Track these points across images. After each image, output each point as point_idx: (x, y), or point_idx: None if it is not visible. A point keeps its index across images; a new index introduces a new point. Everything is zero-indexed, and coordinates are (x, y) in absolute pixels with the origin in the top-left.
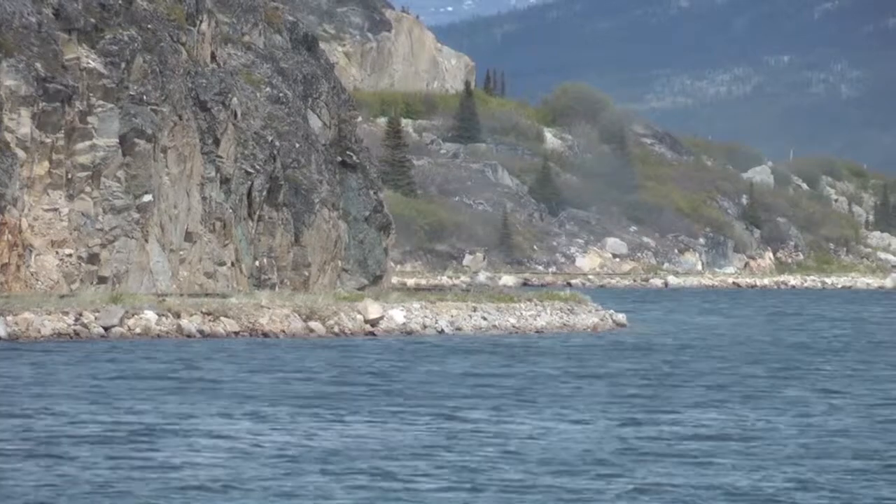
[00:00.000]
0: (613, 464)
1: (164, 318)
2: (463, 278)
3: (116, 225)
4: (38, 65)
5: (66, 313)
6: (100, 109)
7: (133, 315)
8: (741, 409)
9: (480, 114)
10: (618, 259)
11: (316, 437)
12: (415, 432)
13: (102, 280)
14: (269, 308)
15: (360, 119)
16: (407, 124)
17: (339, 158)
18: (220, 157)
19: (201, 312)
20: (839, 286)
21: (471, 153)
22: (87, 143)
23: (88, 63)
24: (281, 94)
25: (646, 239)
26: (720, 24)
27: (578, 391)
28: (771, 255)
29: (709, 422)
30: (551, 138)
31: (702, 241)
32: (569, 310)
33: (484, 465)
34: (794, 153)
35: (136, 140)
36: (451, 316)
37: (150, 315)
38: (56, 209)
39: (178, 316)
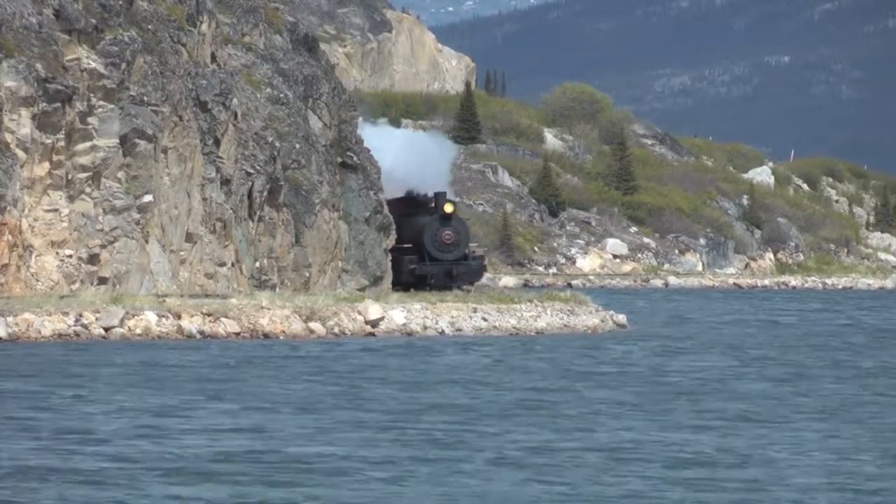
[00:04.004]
0: None
1: (164, 319)
2: None
3: (117, 226)
4: (38, 65)
5: (67, 314)
6: (100, 110)
7: (133, 316)
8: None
9: (481, 114)
10: (618, 260)
11: None
12: None
13: (103, 281)
14: (269, 309)
15: (360, 120)
16: (407, 125)
17: (340, 159)
18: (221, 158)
19: (202, 313)
20: (840, 287)
21: (471, 154)
22: (88, 143)
23: (89, 64)
24: (281, 95)
25: (646, 240)
26: (720, 24)
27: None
28: (771, 255)
29: None
30: (551, 139)
31: (702, 241)
32: (569, 311)
33: None
34: (794, 154)
35: (137, 141)
36: (452, 317)
37: (150, 316)
38: (56, 210)
39: (178, 317)
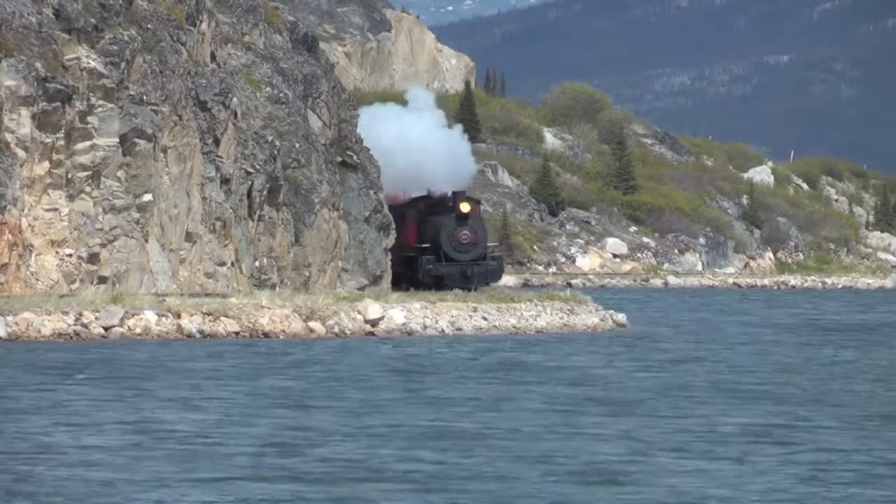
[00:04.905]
0: None
1: (164, 319)
2: None
3: (116, 225)
4: (38, 65)
5: (66, 313)
6: (100, 109)
7: (133, 315)
8: None
9: (480, 114)
10: (618, 259)
11: None
12: None
13: (102, 280)
14: (269, 308)
15: (360, 119)
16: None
17: (340, 158)
18: (220, 157)
19: (201, 312)
20: (839, 286)
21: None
22: (88, 143)
23: (88, 63)
24: (281, 94)
25: (646, 239)
26: (720, 24)
27: None
28: (771, 255)
29: None
30: (551, 138)
31: (702, 241)
32: (569, 310)
33: None
34: (794, 153)
35: (137, 140)
36: (452, 316)
37: (150, 315)
38: (56, 209)
39: (178, 316)
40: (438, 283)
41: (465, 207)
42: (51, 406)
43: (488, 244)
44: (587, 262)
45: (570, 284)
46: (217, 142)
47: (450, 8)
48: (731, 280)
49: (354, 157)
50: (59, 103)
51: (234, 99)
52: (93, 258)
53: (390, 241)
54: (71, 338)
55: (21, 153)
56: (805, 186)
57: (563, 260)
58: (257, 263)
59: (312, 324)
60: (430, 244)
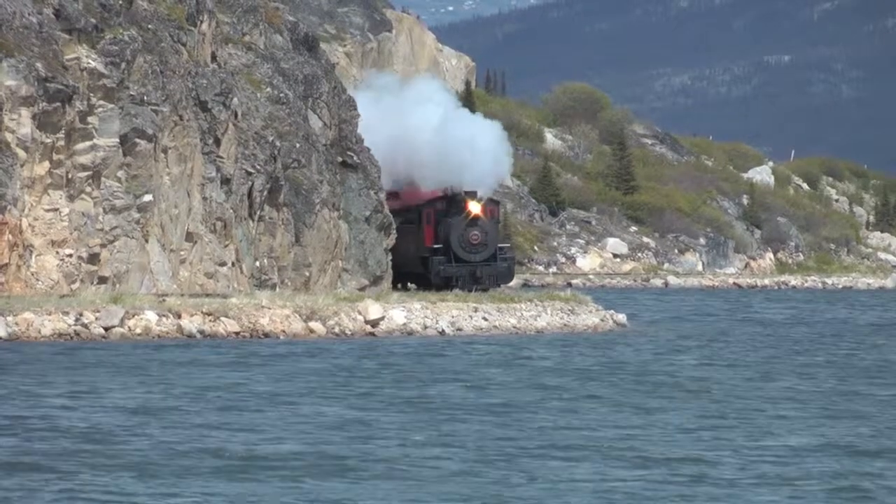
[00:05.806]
0: None
1: (164, 319)
2: None
3: (117, 225)
4: (38, 65)
5: (67, 313)
6: (100, 109)
7: (133, 315)
8: None
9: (481, 114)
10: (618, 259)
11: None
12: None
13: (102, 280)
14: (269, 308)
15: (360, 119)
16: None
17: (340, 159)
18: (221, 158)
19: (202, 313)
20: (840, 286)
21: None
22: (88, 143)
23: (89, 63)
24: (281, 95)
25: (646, 239)
26: (720, 24)
27: None
28: (771, 255)
29: None
30: (552, 138)
31: (702, 241)
32: (569, 310)
33: None
34: (794, 153)
35: (137, 140)
36: (452, 316)
37: (150, 315)
38: (56, 209)
39: (178, 316)
40: (448, 284)
41: (474, 208)
42: None
43: (501, 245)
44: (587, 262)
45: (570, 284)
46: (217, 142)
47: (450, 8)
48: (731, 280)
49: (355, 158)
50: (59, 103)
51: (235, 99)
52: (93, 258)
53: (391, 241)
54: (71, 338)
55: (21, 153)
56: (805, 186)
57: (563, 260)
58: (258, 263)
59: (313, 324)
60: (442, 245)
